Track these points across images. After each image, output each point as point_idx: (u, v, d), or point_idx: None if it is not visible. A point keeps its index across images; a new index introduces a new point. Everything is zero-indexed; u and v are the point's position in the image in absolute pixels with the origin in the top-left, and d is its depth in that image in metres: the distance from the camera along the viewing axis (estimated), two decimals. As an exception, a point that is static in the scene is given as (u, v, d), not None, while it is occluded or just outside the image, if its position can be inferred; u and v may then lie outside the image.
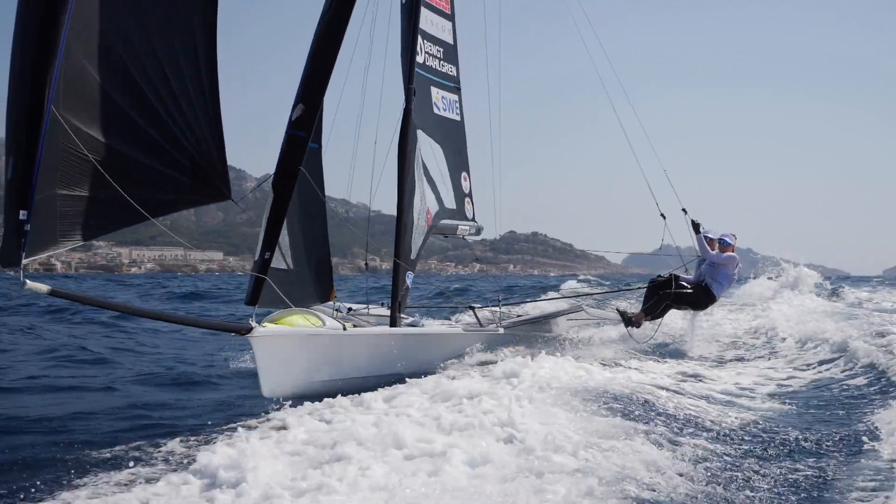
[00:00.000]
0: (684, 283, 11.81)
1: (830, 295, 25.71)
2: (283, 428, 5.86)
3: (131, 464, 5.16)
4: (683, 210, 12.16)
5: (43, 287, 5.78)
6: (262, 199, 8.17)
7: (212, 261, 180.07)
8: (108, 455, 5.49)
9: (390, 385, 7.40)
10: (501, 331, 10.03)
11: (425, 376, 7.83)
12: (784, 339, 13.14)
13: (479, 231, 11.72)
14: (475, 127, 11.76)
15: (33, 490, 4.64)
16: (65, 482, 4.80)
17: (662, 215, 12.10)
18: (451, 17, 11.26)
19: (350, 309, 10.16)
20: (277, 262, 7.76)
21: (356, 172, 10.51)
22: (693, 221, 12.03)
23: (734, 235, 12.13)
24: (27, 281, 5.74)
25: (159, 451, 5.60)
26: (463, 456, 4.88)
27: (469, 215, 11.49)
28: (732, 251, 11.93)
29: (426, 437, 5.30)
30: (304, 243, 8.16)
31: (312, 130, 7.77)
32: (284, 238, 7.86)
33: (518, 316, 12.45)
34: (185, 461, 5.22)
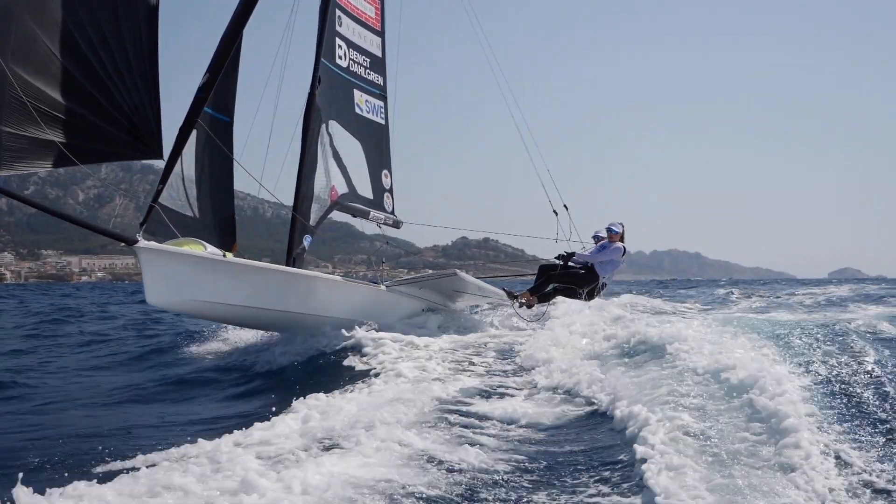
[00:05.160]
0: (572, 264, 12.51)
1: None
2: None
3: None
4: (565, 206, 12.81)
5: None
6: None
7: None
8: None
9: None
10: (383, 288, 10.26)
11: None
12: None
13: (396, 224, 12.38)
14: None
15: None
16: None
17: (555, 212, 12.79)
18: (380, 34, 12.32)
19: None
20: (184, 210, 8.84)
21: (267, 168, 11.02)
22: (563, 255, 12.67)
23: (621, 224, 12.64)
24: None
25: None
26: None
27: (388, 209, 12.40)
28: (620, 239, 12.48)
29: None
30: (211, 199, 9.29)
31: (211, 92, 8.78)
32: (192, 190, 8.87)
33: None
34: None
